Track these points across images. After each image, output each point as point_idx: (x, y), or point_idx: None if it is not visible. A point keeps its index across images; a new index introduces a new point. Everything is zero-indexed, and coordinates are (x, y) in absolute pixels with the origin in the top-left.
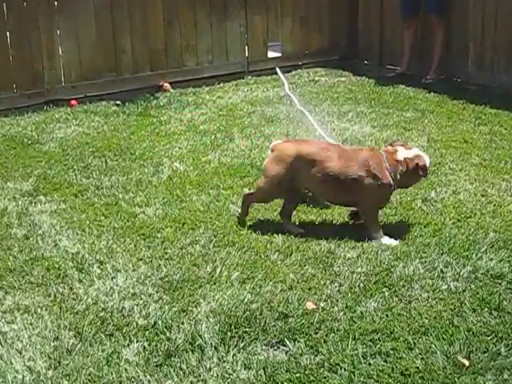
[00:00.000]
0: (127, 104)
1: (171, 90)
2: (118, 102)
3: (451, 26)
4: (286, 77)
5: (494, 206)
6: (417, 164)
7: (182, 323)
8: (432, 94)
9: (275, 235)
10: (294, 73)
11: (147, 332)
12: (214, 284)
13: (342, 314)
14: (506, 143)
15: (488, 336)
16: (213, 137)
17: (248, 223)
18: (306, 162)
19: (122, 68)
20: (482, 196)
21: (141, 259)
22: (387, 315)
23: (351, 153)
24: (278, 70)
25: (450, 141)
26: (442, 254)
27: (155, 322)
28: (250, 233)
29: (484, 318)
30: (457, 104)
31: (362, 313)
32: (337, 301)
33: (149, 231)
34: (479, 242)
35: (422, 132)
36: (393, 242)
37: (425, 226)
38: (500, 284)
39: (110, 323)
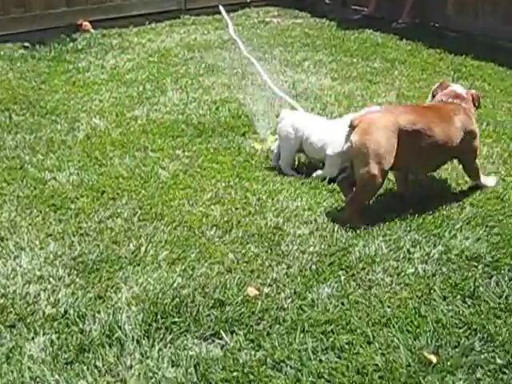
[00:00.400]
0: (38, 47)
1: (92, 31)
2: (27, 44)
3: None
4: (231, 17)
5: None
6: (478, 96)
7: (98, 312)
8: (404, 41)
9: (212, 207)
10: (240, 12)
11: (56, 322)
12: (138, 265)
13: (289, 301)
14: (489, 101)
15: (460, 328)
16: (141, 88)
17: (180, 192)
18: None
19: (30, 2)
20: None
21: (50, 235)
22: (343, 303)
23: (441, 111)
24: (221, 8)
25: (423, 97)
26: (409, 232)
27: (66, 311)
28: (182, 204)
29: (456, 307)
30: (433, 53)
31: (313, 300)
32: (284, 286)
33: (60, 201)
34: (453, 217)
35: (391, 86)
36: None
37: (391, 198)
38: (476, 267)
39: (10, 312)
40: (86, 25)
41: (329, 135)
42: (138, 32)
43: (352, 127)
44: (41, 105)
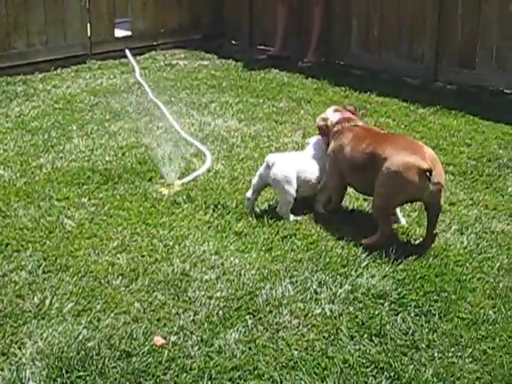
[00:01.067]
0: None
1: None
2: None
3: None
4: (138, 60)
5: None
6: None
7: (2, 369)
8: (310, 79)
9: (118, 255)
10: (147, 55)
11: None
12: (43, 319)
13: (196, 348)
14: None
15: (367, 367)
16: (46, 136)
17: (86, 241)
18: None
19: None
20: (365, 200)
21: None
22: (250, 348)
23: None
24: (127, 52)
25: None
26: (316, 272)
27: None
28: (87, 254)
29: (363, 346)
30: (338, 91)
31: (220, 346)
32: (191, 333)
33: None
34: (360, 255)
35: (297, 125)
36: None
37: (297, 239)
38: (382, 305)
39: None
40: None
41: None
42: (44, 78)
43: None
44: None
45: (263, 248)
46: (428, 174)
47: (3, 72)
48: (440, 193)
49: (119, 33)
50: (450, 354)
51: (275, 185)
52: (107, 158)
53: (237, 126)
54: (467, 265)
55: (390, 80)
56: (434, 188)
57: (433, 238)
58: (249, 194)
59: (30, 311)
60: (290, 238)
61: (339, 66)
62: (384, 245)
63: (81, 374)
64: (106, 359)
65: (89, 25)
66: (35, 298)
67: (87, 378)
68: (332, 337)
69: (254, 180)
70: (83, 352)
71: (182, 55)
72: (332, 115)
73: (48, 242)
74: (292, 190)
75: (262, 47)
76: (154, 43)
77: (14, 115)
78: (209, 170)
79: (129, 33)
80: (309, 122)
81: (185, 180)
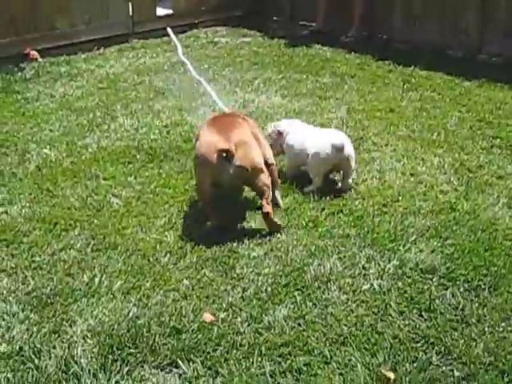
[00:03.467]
0: None
1: (39, 59)
2: None
3: None
4: (180, 39)
5: (425, 186)
6: None
7: (54, 347)
8: (353, 54)
9: (166, 233)
10: (189, 33)
11: (11, 360)
12: (93, 297)
13: (245, 325)
14: (439, 111)
15: (417, 342)
16: (91, 115)
17: (133, 219)
18: None
19: None
20: (411, 175)
21: (3, 270)
22: (299, 324)
23: None
24: (169, 30)
25: (374, 110)
26: (364, 247)
27: (21, 348)
28: (135, 232)
29: (413, 321)
30: (382, 66)
31: (269, 323)
32: (240, 310)
33: (12, 235)
34: (407, 230)
35: (341, 101)
36: None
37: (344, 214)
38: (431, 280)
39: None
40: (34, 54)
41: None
42: (87, 58)
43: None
44: None
45: (310, 224)
46: (226, 154)
47: (47, 53)
48: (244, 176)
49: (161, 11)
50: (501, 329)
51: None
52: (152, 137)
53: (280, 102)
54: None
55: (434, 53)
56: (236, 171)
57: (267, 217)
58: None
59: (80, 289)
60: (337, 214)
61: (382, 40)
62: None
63: (131, 350)
64: (157, 336)
65: (130, 4)
66: (85, 276)
67: (138, 354)
68: (381, 312)
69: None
70: (133, 329)
71: (224, 32)
72: None
73: (96, 221)
74: None
75: (304, 23)
76: (196, 21)
77: (58, 95)
78: None
79: (170, 11)
80: (353, 97)
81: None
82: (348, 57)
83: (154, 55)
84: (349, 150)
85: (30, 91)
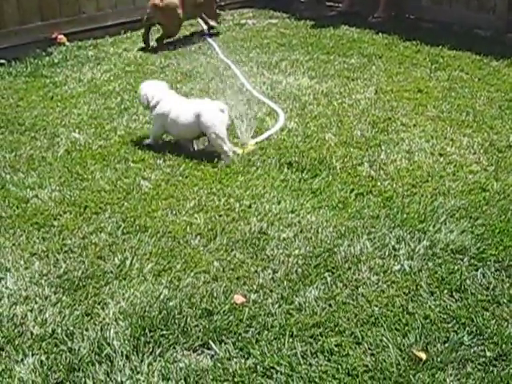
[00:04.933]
0: (13, 63)
1: (67, 43)
2: (2, 61)
3: None
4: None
5: (455, 166)
6: None
7: (86, 329)
8: (380, 35)
9: (196, 215)
10: None
11: (44, 343)
12: (124, 279)
13: (276, 306)
14: (468, 91)
15: (448, 323)
16: (119, 99)
17: (163, 202)
18: None
19: (4, 19)
20: (441, 155)
21: (34, 254)
22: (330, 305)
23: None
24: None
25: (402, 91)
26: (393, 228)
27: (54, 330)
28: (165, 214)
29: (443, 301)
30: (409, 46)
31: (300, 304)
32: (270, 291)
33: (43, 219)
34: (437, 210)
35: (369, 81)
36: None
37: (373, 195)
38: (462, 260)
39: None
40: (61, 38)
41: None
42: (114, 42)
43: None
44: (19, 122)
45: (339, 205)
46: None
47: (74, 37)
48: None
49: None
50: None
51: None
52: None
53: (308, 83)
54: None
55: (462, 33)
56: None
57: None
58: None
59: (112, 272)
60: (366, 194)
61: (409, 20)
62: None
63: (164, 332)
64: (188, 318)
65: None
66: (116, 259)
67: (170, 336)
68: (412, 293)
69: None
70: (165, 311)
71: (251, 14)
72: None
73: (126, 204)
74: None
75: (330, 4)
76: (222, 3)
77: (86, 79)
78: (282, 129)
79: None
80: (381, 77)
81: (258, 139)
82: (375, 37)
83: (181, 37)
84: (206, 118)
85: (58, 75)
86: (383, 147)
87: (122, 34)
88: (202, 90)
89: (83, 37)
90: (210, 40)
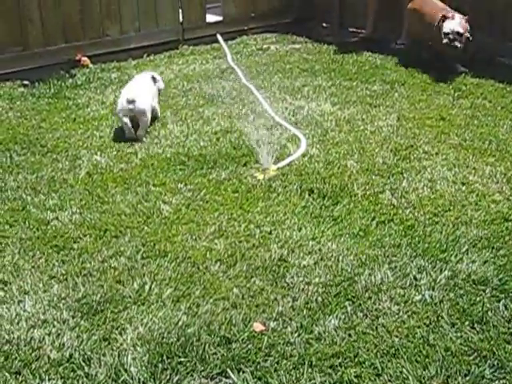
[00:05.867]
0: (37, 84)
1: (90, 66)
2: (26, 82)
3: None
4: (229, 45)
5: (477, 195)
6: None
7: (104, 355)
8: (403, 61)
9: (216, 241)
10: (238, 40)
11: (61, 367)
12: (143, 304)
13: (296, 335)
14: (491, 119)
15: (469, 355)
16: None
17: (183, 227)
18: None
19: (29, 41)
20: (463, 184)
21: (53, 277)
22: (350, 335)
23: None
24: (219, 37)
25: (425, 118)
26: (415, 257)
27: (71, 355)
28: (185, 239)
29: (465, 333)
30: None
31: (319, 333)
32: (290, 320)
33: (63, 242)
34: (459, 240)
35: (392, 108)
36: None
37: (395, 224)
38: (484, 291)
39: (15, 358)
40: (85, 60)
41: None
42: (137, 65)
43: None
44: (41, 143)
45: (360, 233)
46: None
47: (98, 59)
48: None
49: (210, 18)
50: None
51: (139, 115)
52: (202, 144)
53: (330, 109)
54: None
55: (485, 60)
56: None
57: None
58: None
59: (130, 297)
60: (388, 223)
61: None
62: None
63: (181, 359)
64: (206, 345)
65: (180, 10)
66: (135, 283)
67: (188, 363)
68: (433, 324)
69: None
70: (183, 338)
71: (274, 39)
72: None
73: (146, 228)
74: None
75: (353, 29)
76: (245, 28)
77: (109, 102)
78: (304, 155)
79: (220, 18)
80: (403, 104)
81: (280, 165)
82: (398, 64)
83: (204, 62)
84: (139, 104)
85: (81, 97)
86: (405, 175)
87: (144, 57)
88: (224, 114)
89: (107, 59)
90: (232, 64)
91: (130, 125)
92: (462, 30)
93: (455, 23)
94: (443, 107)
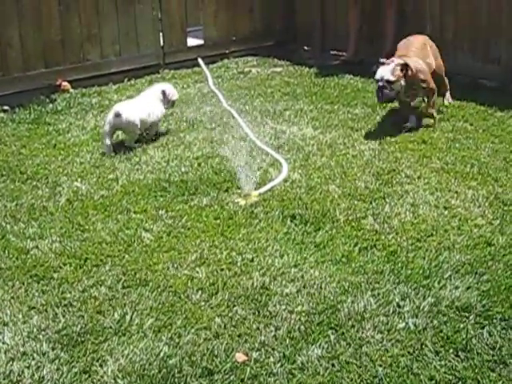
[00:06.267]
0: (17, 109)
1: (71, 90)
2: (6, 108)
3: (405, 1)
4: (210, 69)
5: (460, 220)
6: None
7: None
8: None
9: (197, 269)
10: (219, 64)
11: None
12: (123, 335)
13: (278, 365)
14: (472, 142)
15: None
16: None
17: (164, 255)
18: None
19: (8, 65)
20: (445, 208)
21: (33, 308)
22: (333, 365)
23: None
24: (200, 61)
25: (406, 142)
26: (398, 284)
27: None
28: (166, 267)
29: (449, 361)
30: None
31: (302, 363)
32: (273, 349)
33: (43, 271)
34: (442, 266)
35: (373, 132)
36: None
37: (377, 249)
38: (467, 318)
39: None
40: (65, 85)
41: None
42: (118, 89)
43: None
44: (21, 170)
45: (343, 259)
46: None
47: (78, 84)
48: None
49: (191, 41)
50: None
51: (125, 128)
52: (183, 169)
53: (312, 133)
54: None
55: (467, 83)
56: None
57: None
58: (107, 141)
59: (111, 327)
60: (370, 248)
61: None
62: None
63: None
64: (188, 377)
65: (161, 34)
66: (115, 313)
67: None
68: (417, 352)
69: (106, 128)
70: (165, 369)
71: (255, 62)
72: None
73: (127, 256)
74: (136, 131)
75: (335, 52)
76: (227, 51)
77: (89, 127)
78: (285, 180)
79: (201, 41)
80: (385, 128)
81: (261, 190)
82: None
83: (185, 86)
84: (125, 117)
85: (61, 123)
86: (387, 200)
87: (125, 81)
88: (205, 139)
89: (87, 84)
90: (213, 88)
91: (109, 143)
92: (392, 78)
93: (386, 70)
94: (424, 130)
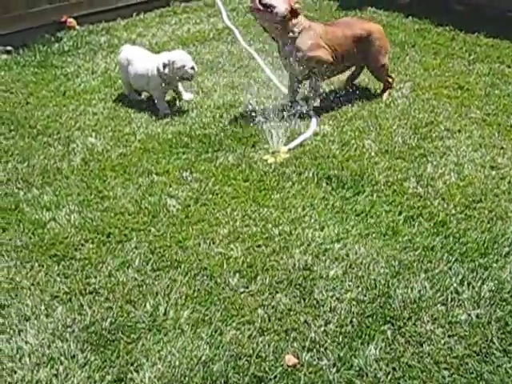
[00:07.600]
0: (21, 50)
1: (77, 27)
2: (9, 48)
3: None
4: (224, 1)
5: (509, 183)
6: None
7: None
8: (410, 18)
9: (231, 245)
10: None
11: None
12: (159, 332)
13: (334, 370)
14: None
15: None
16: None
17: (194, 228)
18: None
19: (10, 2)
20: (492, 168)
21: (56, 297)
22: (394, 369)
23: None
24: None
25: (441, 87)
26: (452, 263)
27: None
28: (197, 244)
29: None
30: (443, 32)
31: (360, 368)
32: (325, 349)
33: (63, 249)
34: (497, 240)
35: (404, 75)
36: None
37: (424, 219)
38: None
39: None
40: (71, 21)
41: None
42: (127, 25)
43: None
44: (30, 124)
45: (388, 232)
46: None
47: (84, 20)
48: None
49: None
50: None
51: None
52: (204, 121)
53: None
54: None
55: (498, 17)
56: None
57: None
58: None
59: (144, 322)
60: (417, 218)
61: (440, 2)
62: None
63: None
64: None
65: None
66: (147, 304)
67: None
68: (484, 352)
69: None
70: (209, 378)
71: None
72: None
73: (153, 230)
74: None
75: None
76: None
77: (99, 71)
78: (316, 133)
79: None
80: (416, 70)
81: (291, 145)
82: (405, 21)
83: (198, 21)
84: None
85: (69, 66)
86: (429, 158)
87: (134, 16)
88: (226, 84)
89: (94, 19)
90: (228, 23)
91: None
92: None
93: None
94: (459, 74)
